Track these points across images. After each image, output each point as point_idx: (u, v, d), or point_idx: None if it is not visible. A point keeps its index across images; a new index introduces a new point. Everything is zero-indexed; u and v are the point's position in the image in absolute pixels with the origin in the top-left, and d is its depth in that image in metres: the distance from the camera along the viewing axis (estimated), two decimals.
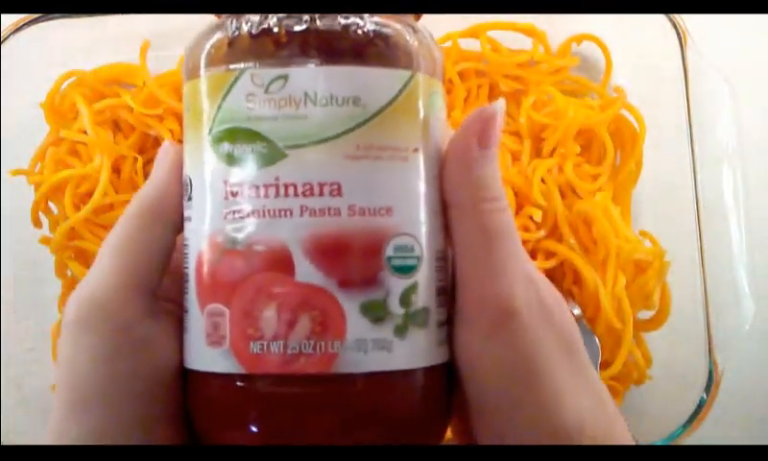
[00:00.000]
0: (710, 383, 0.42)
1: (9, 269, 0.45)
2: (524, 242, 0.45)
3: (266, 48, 0.23)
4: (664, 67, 0.46)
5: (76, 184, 0.45)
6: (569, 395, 0.23)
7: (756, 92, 0.51)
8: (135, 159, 0.46)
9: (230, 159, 0.23)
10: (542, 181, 0.46)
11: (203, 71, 0.24)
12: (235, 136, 0.23)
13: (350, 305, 0.22)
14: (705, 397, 0.42)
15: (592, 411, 0.23)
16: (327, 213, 0.22)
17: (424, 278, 0.23)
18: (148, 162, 0.48)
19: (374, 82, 0.23)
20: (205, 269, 0.23)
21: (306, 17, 0.23)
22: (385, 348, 0.22)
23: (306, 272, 0.22)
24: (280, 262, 0.22)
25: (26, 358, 0.45)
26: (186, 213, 0.25)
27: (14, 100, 0.45)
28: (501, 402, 0.23)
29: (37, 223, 0.45)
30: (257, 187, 0.23)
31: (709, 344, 0.43)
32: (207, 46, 0.24)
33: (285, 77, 0.23)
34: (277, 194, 0.22)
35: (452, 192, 0.24)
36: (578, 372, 0.24)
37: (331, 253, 0.22)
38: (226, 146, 0.23)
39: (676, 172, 0.45)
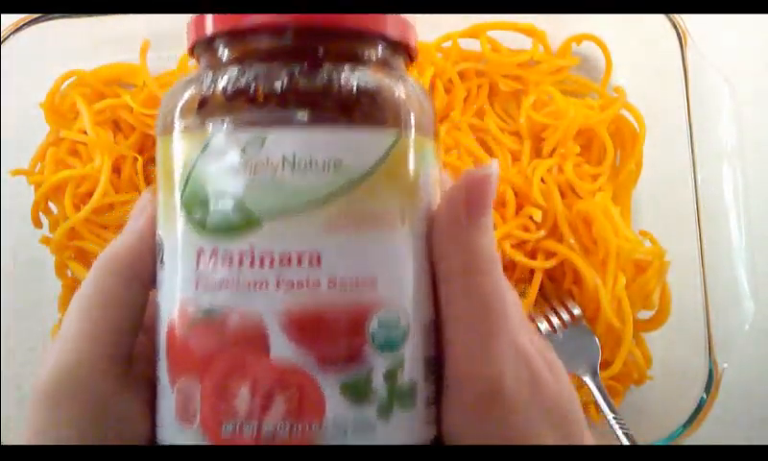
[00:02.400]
0: (711, 383, 0.42)
1: (9, 268, 0.45)
2: (524, 242, 0.45)
3: (242, 107, 0.21)
4: (664, 67, 0.46)
5: (76, 184, 0.45)
6: None
7: (757, 92, 0.51)
8: (135, 159, 0.46)
9: (202, 225, 0.21)
10: (542, 180, 0.46)
11: (176, 128, 0.22)
12: (208, 201, 0.21)
13: (330, 384, 0.21)
14: (705, 397, 0.42)
15: None
16: (306, 285, 0.21)
17: (412, 351, 0.22)
18: (148, 162, 0.48)
19: (359, 144, 0.21)
20: (177, 340, 0.22)
21: (285, 76, 0.21)
22: (367, 430, 0.21)
23: (282, 348, 0.21)
24: (255, 337, 0.21)
25: (26, 358, 0.45)
26: (159, 276, 0.23)
27: (14, 100, 0.45)
28: None
29: (38, 223, 0.45)
30: (231, 256, 0.21)
31: (709, 344, 0.42)
32: (181, 102, 0.22)
33: (262, 139, 0.21)
34: (252, 264, 0.21)
35: (440, 262, 0.22)
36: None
37: (309, 328, 0.21)
38: (198, 211, 0.22)
39: (676, 172, 0.45)
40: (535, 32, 0.48)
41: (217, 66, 0.23)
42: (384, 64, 0.23)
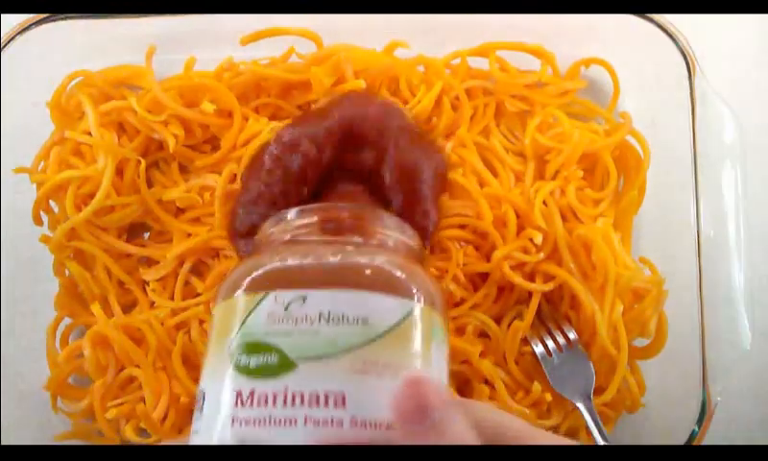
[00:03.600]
0: (703, 415, 0.42)
1: (7, 267, 0.45)
2: (523, 264, 0.45)
3: (292, 275, 0.26)
4: (672, 95, 0.45)
5: (78, 185, 0.44)
6: None
7: (764, 124, 0.51)
8: (139, 162, 0.46)
9: (246, 370, 0.24)
10: (544, 203, 0.46)
11: (238, 294, 0.26)
12: (252, 349, 0.25)
13: None
14: (696, 429, 0.42)
15: None
16: (331, 424, 0.23)
17: None
18: (151, 165, 0.48)
19: (382, 307, 0.25)
20: None
21: (331, 257, 0.27)
22: None
23: None
24: None
25: (25, 358, 0.45)
26: (194, 427, 0.25)
27: (20, 99, 0.45)
28: None
29: (38, 220, 0.45)
30: (266, 396, 0.23)
31: (704, 375, 0.42)
32: (249, 277, 0.27)
33: (304, 298, 0.25)
34: (285, 403, 0.23)
35: None
36: None
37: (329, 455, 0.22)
38: (243, 358, 0.25)
39: (677, 200, 0.45)
40: (543, 53, 0.48)
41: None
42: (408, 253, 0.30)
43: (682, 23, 0.45)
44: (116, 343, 0.44)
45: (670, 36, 0.45)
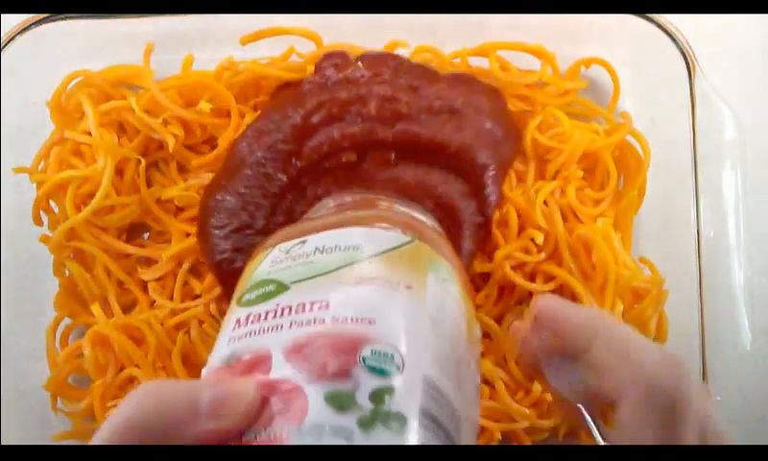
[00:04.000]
0: None
1: (7, 267, 0.45)
2: (524, 264, 0.45)
3: (296, 230, 0.29)
4: (672, 95, 0.46)
5: (78, 185, 0.44)
6: None
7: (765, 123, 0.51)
8: (138, 162, 0.46)
9: (247, 303, 0.26)
10: (545, 203, 0.46)
11: (249, 264, 0.29)
12: (254, 286, 0.27)
13: (316, 393, 0.22)
14: None
15: None
16: (313, 323, 0.24)
17: (403, 386, 0.23)
18: (150, 165, 0.48)
19: (376, 236, 0.27)
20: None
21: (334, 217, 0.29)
22: (344, 436, 0.21)
23: (281, 368, 0.23)
24: (259, 364, 0.23)
25: (25, 358, 0.45)
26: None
27: (20, 99, 0.45)
28: None
29: (38, 220, 0.45)
30: (259, 314, 0.25)
31: (704, 375, 0.43)
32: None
33: (304, 241, 0.27)
34: (275, 316, 0.24)
35: None
36: None
37: (307, 351, 0.23)
38: (246, 295, 0.26)
39: (678, 200, 0.45)
40: (544, 53, 0.48)
41: None
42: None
43: (682, 23, 0.45)
44: (116, 343, 0.43)
45: (670, 36, 0.45)
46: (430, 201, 0.44)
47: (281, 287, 0.25)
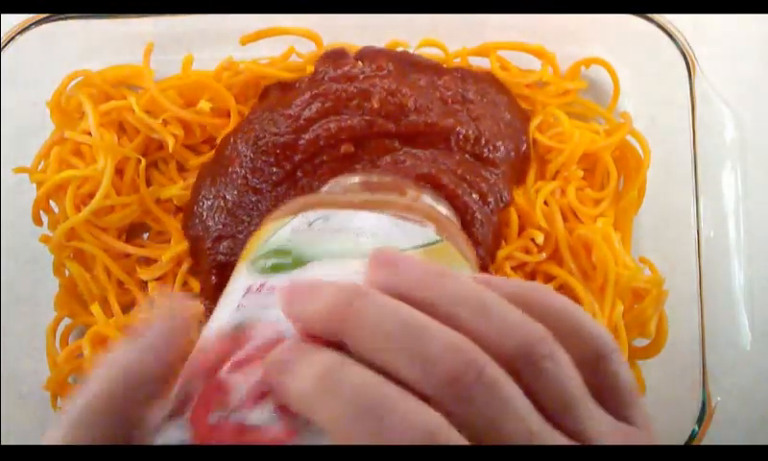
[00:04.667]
0: (703, 415, 0.42)
1: (7, 267, 0.45)
2: (524, 264, 0.45)
3: (321, 202, 0.28)
4: (672, 95, 0.46)
5: (78, 185, 0.44)
6: None
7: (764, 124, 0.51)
8: (139, 162, 0.46)
9: (262, 269, 0.25)
10: (545, 203, 0.46)
11: (267, 223, 0.28)
12: (272, 254, 0.25)
13: None
14: (696, 429, 0.42)
15: None
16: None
17: None
18: (150, 165, 0.48)
19: (401, 230, 0.26)
20: (198, 351, 0.23)
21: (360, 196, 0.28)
22: None
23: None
24: (269, 342, 0.21)
25: (25, 358, 0.45)
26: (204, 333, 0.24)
27: (20, 99, 0.45)
28: None
29: (38, 220, 0.45)
30: (273, 287, 0.23)
31: (704, 376, 0.43)
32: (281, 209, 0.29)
33: (327, 217, 0.26)
34: None
35: None
36: None
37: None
38: (261, 261, 0.25)
39: (678, 201, 0.45)
40: (544, 54, 0.48)
41: None
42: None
43: (682, 23, 0.45)
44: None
45: (670, 35, 0.45)
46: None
47: (299, 262, 0.24)
